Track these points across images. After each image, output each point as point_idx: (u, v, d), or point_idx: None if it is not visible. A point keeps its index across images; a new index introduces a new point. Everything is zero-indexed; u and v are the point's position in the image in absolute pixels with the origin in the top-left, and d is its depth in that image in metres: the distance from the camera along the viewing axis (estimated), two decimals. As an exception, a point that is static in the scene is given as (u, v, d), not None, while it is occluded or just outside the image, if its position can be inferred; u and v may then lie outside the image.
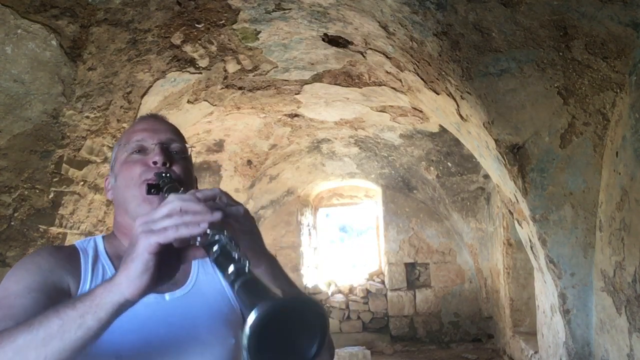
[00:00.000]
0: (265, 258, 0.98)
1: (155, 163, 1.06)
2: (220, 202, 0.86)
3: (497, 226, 5.68)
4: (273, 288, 0.68)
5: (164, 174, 1.03)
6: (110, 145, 3.09)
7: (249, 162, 5.91)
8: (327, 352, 1.09)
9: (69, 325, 0.73)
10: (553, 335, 3.43)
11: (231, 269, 0.72)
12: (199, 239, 0.79)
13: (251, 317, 0.62)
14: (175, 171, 1.06)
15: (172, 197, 0.82)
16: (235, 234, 0.83)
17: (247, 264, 0.73)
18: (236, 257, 0.74)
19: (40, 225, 2.85)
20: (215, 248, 0.76)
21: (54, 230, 2.96)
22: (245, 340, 0.62)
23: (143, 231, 0.77)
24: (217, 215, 0.78)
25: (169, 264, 0.80)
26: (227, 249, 0.76)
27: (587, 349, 3.01)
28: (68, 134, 2.76)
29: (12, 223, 2.70)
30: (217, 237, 0.77)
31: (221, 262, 0.75)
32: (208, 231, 0.77)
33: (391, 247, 7.24)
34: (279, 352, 0.67)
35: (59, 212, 2.95)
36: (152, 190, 1.02)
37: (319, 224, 8.61)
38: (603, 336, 2.84)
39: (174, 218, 0.77)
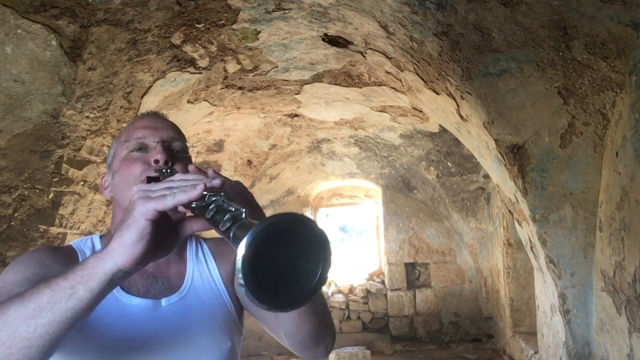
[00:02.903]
0: None
1: (156, 162, 1.03)
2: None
3: (497, 226, 5.68)
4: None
5: (164, 171, 1.01)
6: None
7: (249, 162, 5.91)
8: (328, 333, 1.07)
9: (60, 296, 0.71)
10: (553, 335, 3.43)
11: (227, 217, 0.70)
12: (194, 204, 0.76)
13: (241, 246, 0.59)
14: (176, 170, 1.03)
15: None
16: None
17: (244, 211, 0.70)
18: (232, 209, 0.71)
19: (40, 225, 2.85)
20: (211, 206, 0.74)
21: (54, 230, 2.96)
22: (239, 275, 0.58)
23: (140, 197, 0.74)
24: (216, 181, 0.77)
25: (166, 237, 0.78)
26: (224, 206, 0.73)
27: (587, 349, 3.01)
28: (68, 134, 2.76)
29: (12, 223, 2.70)
30: (214, 199, 0.75)
31: (216, 219, 0.73)
32: (205, 193, 0.75)
33: (391, 247, 7.24)
34: (280, 284, 0.64)
35: (59, 212, 2.95)
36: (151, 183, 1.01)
37: (319, 224, 8.60)
38: (603, 336, 2.84)
39: (172, 188, 0.75)
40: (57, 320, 0.71)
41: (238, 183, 0.88)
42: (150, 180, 1.01)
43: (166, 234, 0.79)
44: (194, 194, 0.73)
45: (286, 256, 0.64)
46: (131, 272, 0.75)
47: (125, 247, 0.72)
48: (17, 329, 0.70)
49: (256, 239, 0.60)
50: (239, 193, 0.85)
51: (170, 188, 0.75)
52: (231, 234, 0.68)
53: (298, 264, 0.66)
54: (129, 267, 0.73)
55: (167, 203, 0.73)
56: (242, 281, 0.59)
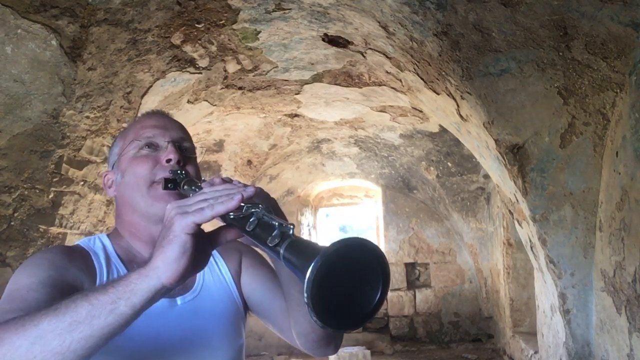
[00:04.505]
0: None
1: (168, 161, 1.02)
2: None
3: (497, 226, 5.68)
4: (320, 245, 0.64)
5: (179, 172, 1.00)
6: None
7: (249, 162, 5.91)
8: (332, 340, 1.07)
9: (99, 311, 0.69)
10: (553, 335, 3.43)
11: (275, 232, 0.69)
12: (232, 215, 0.76)
13: (308, 275, 0.59)
14: (188, 171, 1.03)
15: (203, 186, 0.82)
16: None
17: (292, 227, 0.69)
18: (277, 224, 0.70)
19: (40, 225, 2.85)
20: (252, 219, 0.74)
21: (54, 230, 2.96)
22: (307, 300, 0.59)
23: (178, 213, 0.73)
24: (251, 190, 0.77)
25: (202, 249, 0.78)
26: (265, 219, 0.73)
27: (587, 349, 3.01)
28: (68, 134, 2.76)
29: (12, 223, 2.70)
30: (252, 210, 0.74)
31: (259, 234, 0.72)
32: (242, 204, 0.74)
33: (391, 247, 7.24)
34: (343, 305, 0.64)
35: (59, 212, 2.95)
36: (170, 185, 1.00)
37: (319, 224, 8.61)
38: (603, 336, 2.84)
39: (207, 200, 0.75)
40: (94, 335, 0.69)
41: (262, 191, 0.88)
42: (167, 182, 1.00)
43: (202, 247, 0.78)
44: (231, 204, 0.73)
45: (347, 277, 0.65)
46: (172, 288, 0.74)
47: (169, 264, 0.71)
48: (50, 342, 0.68)
49: (324, 265, 0.59)
50: (264, 201, 0.84)
51: (205, 200, 0.75)
52: (281, 251, 0.67)
53: (358, 284, 0.66)
54: (172, 283, 0.72)
55: (206, 215, 0.73)
56: (310, 306, 0.59)
